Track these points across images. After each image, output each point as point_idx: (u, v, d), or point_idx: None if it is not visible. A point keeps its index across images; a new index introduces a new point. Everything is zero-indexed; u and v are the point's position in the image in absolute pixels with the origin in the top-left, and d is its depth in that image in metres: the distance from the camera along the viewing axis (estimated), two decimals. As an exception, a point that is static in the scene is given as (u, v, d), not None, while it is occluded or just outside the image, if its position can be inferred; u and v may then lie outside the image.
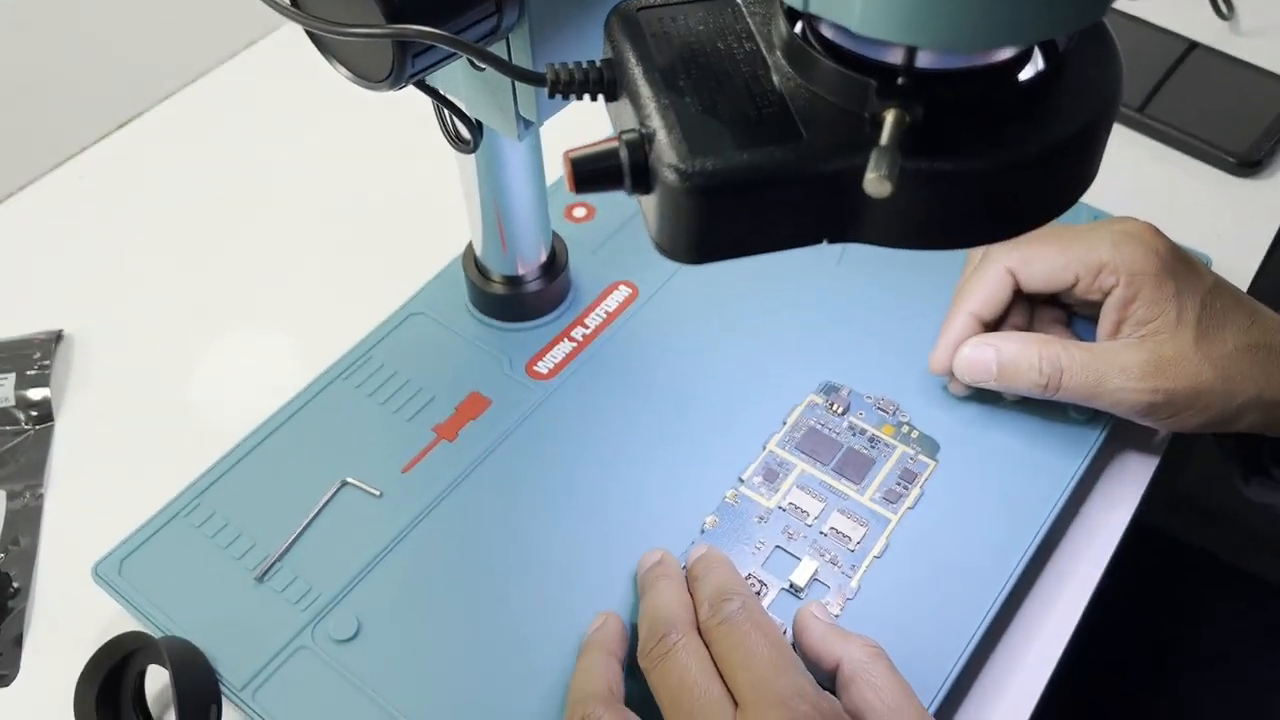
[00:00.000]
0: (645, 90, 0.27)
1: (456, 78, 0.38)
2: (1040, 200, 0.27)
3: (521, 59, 0.34)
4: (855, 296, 0.50)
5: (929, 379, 0.47)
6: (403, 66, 0.30)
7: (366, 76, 0.32)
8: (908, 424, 0.46)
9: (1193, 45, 0.62)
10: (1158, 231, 0.45)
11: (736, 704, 0.34)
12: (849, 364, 0.48)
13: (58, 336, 0.53)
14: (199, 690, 0.38)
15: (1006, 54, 0.26)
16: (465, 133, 0.42)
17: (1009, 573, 0.42)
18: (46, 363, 0.51)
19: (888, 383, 0.48)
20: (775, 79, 0.27)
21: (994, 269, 0.46)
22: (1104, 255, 0.44)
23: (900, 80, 0.25)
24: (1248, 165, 0.58)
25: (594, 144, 0.26)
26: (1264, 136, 0.58)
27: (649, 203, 0.27)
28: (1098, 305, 0.45)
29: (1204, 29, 0.64)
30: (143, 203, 0.60)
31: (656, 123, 0.26)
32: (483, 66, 0.36)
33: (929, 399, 0.47)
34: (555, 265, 0.50)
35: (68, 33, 0.60)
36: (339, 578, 0.42)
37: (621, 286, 0.51)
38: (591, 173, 0.26)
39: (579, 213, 0.55)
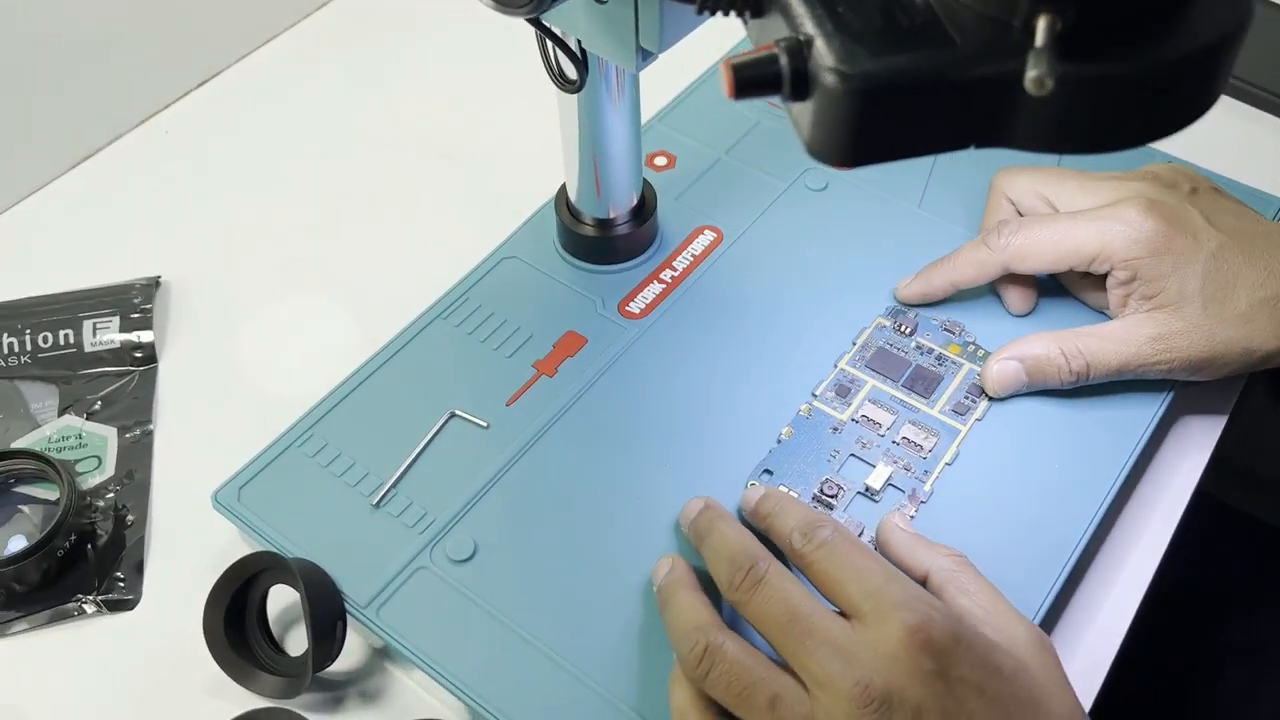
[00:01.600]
0: (797, 1, 0.28)
1: (574, 12, 0.39)
2: (1180, 105, 0.28)
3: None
4: (931, 233, 0.52)
5: (994, 303, 0.49)
6: (549, -12, 0.32)
7: (507, 1, 0.33)
8: (973, 343, 0.48)
9: None
10: (1150, 205, 0.45)
11: (848, 619, 0.35)
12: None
13: (156, 282, 0.54)
14: (328, 608, 0.40)
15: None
16: (571, 73, 0.43)
17: (1107, 488, 0.43)
18: (148, 306, 0.53)
19: (954, 305, 0.49)
20: (922, -9, 0.28)
21: (989, 259, 0.47)
22: (1093, 247, 0.45)
23: (1048, -12, 0.26)
24: (1314, 115, 0.59)
25: (752, 51, 0.28)
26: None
27: (802, 109, 0.28)
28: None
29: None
30: (228, 156, 0.61)
31: (813, 29, 0.27)
32: (605, -1, 0.37)
33: (994, 321, 0.49)
34: (645, 209, 0.51)
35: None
36: (453, 503, 0.43)
37: (707, 231, 0.53)
38: (750, 78, 0.27)
39: (660, 161, 0.56)
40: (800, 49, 0.27)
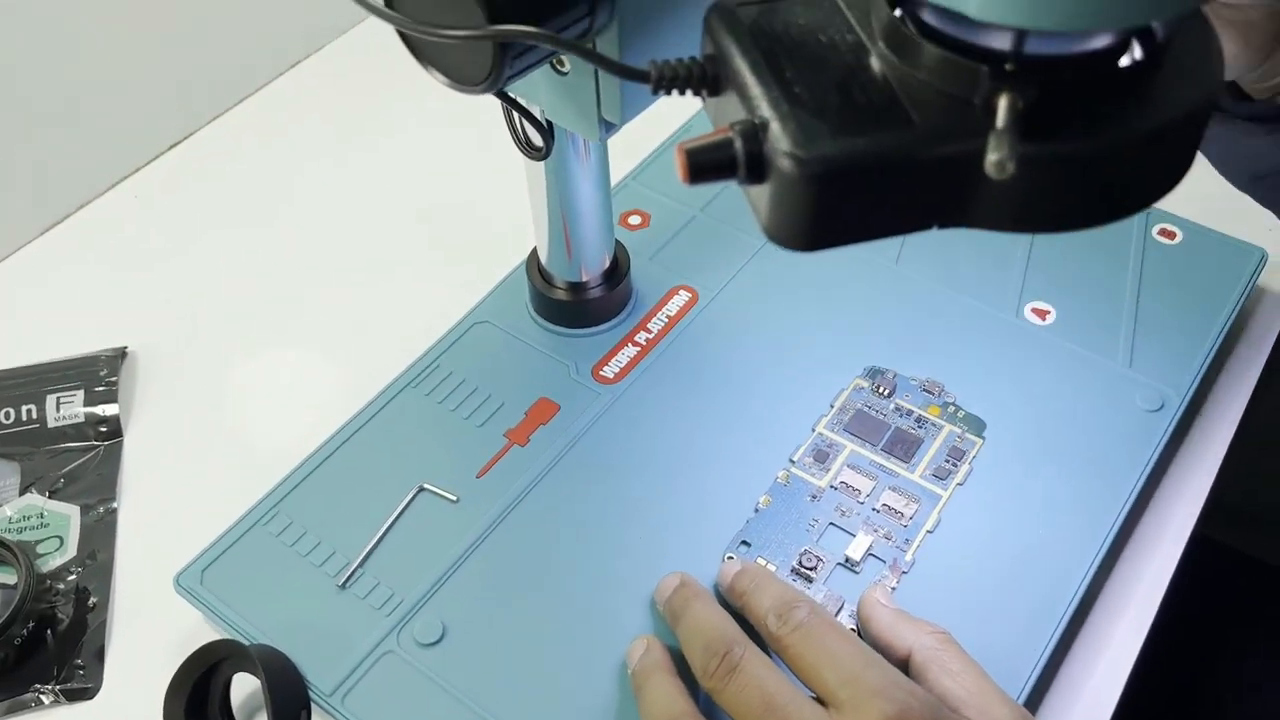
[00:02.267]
0: (753, 81, 0.27)
1: (536, 84, 0.38)
2: (1146, 182, 0.28)
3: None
4: (908, 292, 0.51)
5: (974, 362, 0.48)
6: (502, 68, 0.31)
7: (462, 80, 0.33)
8: (953, 404, 0.47)
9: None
10: None
11: (825, 705, 0.34)
12: (895, 350, 0.49)
13: (122, 353, 0.53)
14: (290, 696, 0.39)
15: (1107, 40, 0.27)
16: (537, 140, 0.43)
17: (1096, 547, 0.42)
18: (113, 379, 0.51)
19: (933, 366, 0.48)
20: (880, 68, 0.27)
21: None
22: None
23: (1008, 66, 0.26)
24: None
25: (707, 135, 0.27)
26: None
27: (759, 193, 0.27)
28: None
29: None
30: (197, 221, 0.60)
31: (768, 112, 0.26)
32: (565, 70, 0.37)
33: (974, 381, 0.48)
34: (618, 272, 0.50)
35: (116, 58, 0.60)
36: (421, 582, 0.42)
37: (682, 291, 0.52)
38: (705, 163, 0.27)
39: (634, 220, 0.55)
40: (755, 132, 0.26)
